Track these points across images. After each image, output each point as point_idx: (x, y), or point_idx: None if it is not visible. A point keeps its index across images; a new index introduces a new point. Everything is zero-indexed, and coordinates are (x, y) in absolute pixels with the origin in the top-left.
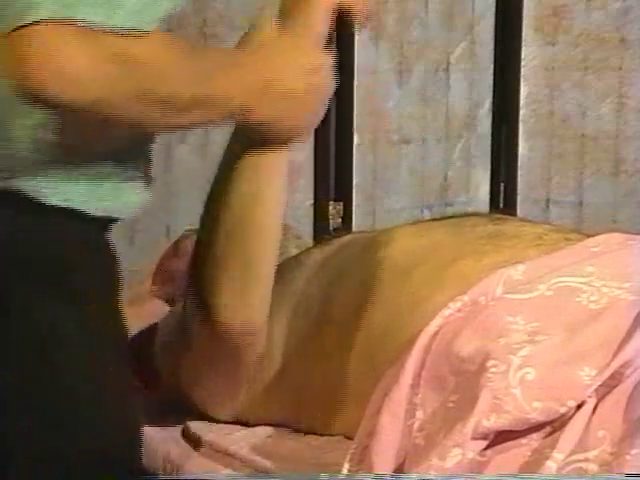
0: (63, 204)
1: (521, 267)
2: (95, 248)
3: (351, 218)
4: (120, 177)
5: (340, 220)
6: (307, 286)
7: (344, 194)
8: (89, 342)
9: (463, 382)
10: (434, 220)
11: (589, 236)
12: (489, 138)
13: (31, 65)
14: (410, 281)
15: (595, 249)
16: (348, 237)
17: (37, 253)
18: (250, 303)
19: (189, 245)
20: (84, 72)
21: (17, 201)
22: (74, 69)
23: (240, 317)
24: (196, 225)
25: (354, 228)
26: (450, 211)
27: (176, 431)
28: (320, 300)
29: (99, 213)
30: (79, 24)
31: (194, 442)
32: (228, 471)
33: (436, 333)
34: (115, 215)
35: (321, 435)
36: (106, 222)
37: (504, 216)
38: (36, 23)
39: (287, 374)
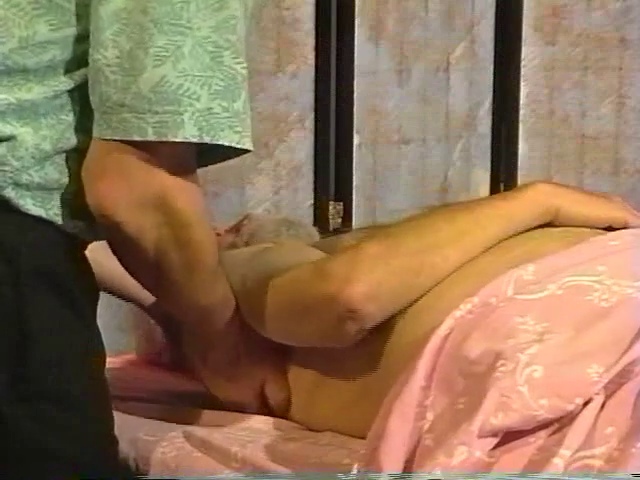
0: None
1: (531, 267)
2: None
3: (351, 218)
4: None
5: (340, 220)
6: None
7: (344, 194)
8: None
9: (472, 384)
10: None
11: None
12: (489, 138)
13: None
14: None
15: (613, 242)
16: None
17: None
18: None
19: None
20: None
21: None
22: None
23: None
24: None
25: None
26: None
27: (178, 431)
28: None
29: None
30: None
31: (196, 442)
32: (229, 471)
33: (447, 335)
34: None
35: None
36: None
37: None
38: None
39: (305, 371)
